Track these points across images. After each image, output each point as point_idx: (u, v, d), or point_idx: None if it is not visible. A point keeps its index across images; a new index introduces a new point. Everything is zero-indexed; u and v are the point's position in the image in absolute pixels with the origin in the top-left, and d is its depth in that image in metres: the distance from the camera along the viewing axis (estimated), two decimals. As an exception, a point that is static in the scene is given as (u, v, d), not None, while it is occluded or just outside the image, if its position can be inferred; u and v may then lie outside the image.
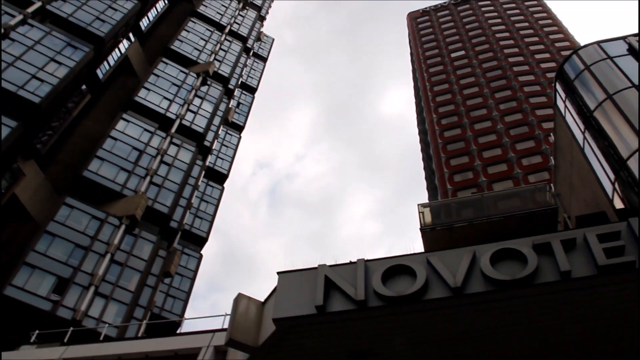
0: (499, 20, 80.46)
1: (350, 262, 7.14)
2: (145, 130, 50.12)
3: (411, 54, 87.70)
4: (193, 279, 54.67)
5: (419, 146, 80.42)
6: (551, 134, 24.99)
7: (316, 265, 7.19)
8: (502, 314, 6.47)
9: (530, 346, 6.91)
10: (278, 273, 7.48)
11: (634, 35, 19.97)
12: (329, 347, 7.03)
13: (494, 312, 6.44)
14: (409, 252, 7.32)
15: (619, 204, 15.91)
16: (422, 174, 76.08)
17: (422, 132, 74.85)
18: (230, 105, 70.23)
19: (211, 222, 61.84)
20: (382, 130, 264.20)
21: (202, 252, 58.58)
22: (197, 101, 59.30)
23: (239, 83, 78.68)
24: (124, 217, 40.96)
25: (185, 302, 52.06)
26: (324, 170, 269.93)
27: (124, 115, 49.72)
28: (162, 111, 53.63)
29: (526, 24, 77.41)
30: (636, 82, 17.20)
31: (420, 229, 21.72)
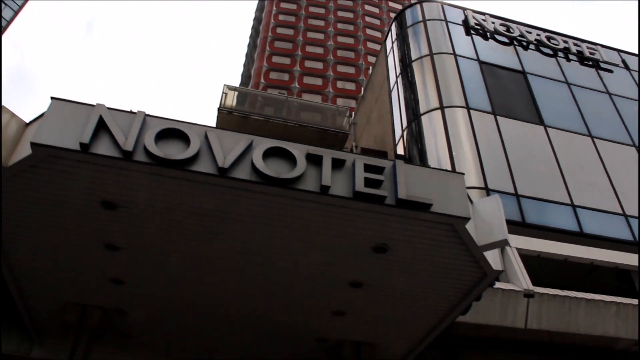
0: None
1: (131, 112, 6.84)
2: None
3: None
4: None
5: (249, 32, 78.96)
6: (371, 67, 25.98)
7: (95, 103, 6.77)
8: (262, 207, 6.68)
9: (290, 245, 7.28)
10: (52, 98, 6.91)
11: (483, 13, 21.24)
12: (83, 188, 6.71)
13: (255, 202, 6.61)
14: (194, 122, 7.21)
15: (400, 150, 17.20)
16: (243, 59, 75.22)
17: (257, 20, 73.50)
18: None
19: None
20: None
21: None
22: None
23: None
24: None
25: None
26: (160, 22, 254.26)
27: None
28: None
29: (392, -42, 78.23)
30: (457, 52, 18.47)
31: (219, 109, 21.59)
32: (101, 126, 6.34)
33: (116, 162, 6.26)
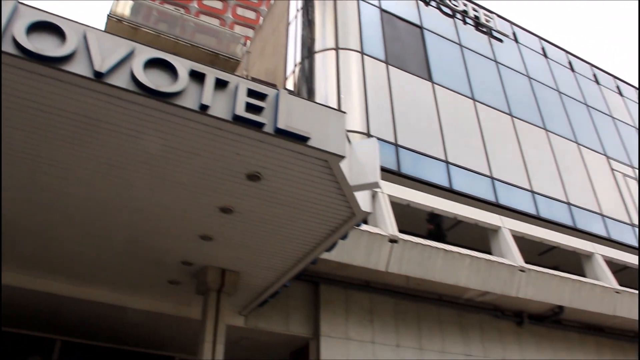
0: None
1: (1, -1, 6.25)
2: None
3: None
4: None
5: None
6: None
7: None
8: (137, 120, 6.34)
9: (162, 163, 7.04)
10: None
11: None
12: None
13: (130, 113, 6.28)
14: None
15: (290, 86, 17.09)
16: (143, -30, 71.16)
17: None
18: None
19: None
20: None
21: None
22: None
23: None
24: None
25: None
26: None
27: None
28: None
29: None
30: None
31: (108, 15, 20.33)
32: (-39, 10, 5.73)
33: (-19, 53, 5.71)
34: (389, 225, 11.94)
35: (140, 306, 10.99)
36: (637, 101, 27.03)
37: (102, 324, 11.74)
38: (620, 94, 26.65)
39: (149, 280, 10.47)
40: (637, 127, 24.85)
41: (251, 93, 6.39)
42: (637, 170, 22.73)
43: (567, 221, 17.58)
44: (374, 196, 12.43)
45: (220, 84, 6.30)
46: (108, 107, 6.26)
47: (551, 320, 15.41)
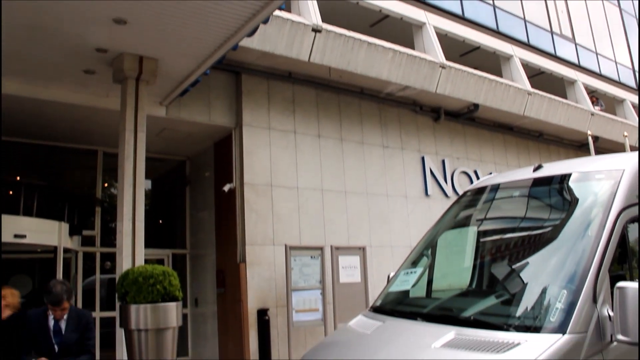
0: None
1: None
2: None
3: None
4: None
5: None
6: None
7: None
8: None
9: None
10: None
11: None
12: None
13: None
14: None
15: None
16: None
17: None
18: None
19: None
20: None
21: None
22: None
23: None
24: None
25: None
26: None
27: None
28: None
29: None
30: None
31: None
32: None
33: None
34: (312, 14, 11.65)
35: (55, 98, 10.54)
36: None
37: (19, 119, 11.34)
38: None
39: (63, 71, 9.94)
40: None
41: None
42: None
43: (491, 24, 17.69)
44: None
45: None
46: None
47: (466, 117, 16.13)
